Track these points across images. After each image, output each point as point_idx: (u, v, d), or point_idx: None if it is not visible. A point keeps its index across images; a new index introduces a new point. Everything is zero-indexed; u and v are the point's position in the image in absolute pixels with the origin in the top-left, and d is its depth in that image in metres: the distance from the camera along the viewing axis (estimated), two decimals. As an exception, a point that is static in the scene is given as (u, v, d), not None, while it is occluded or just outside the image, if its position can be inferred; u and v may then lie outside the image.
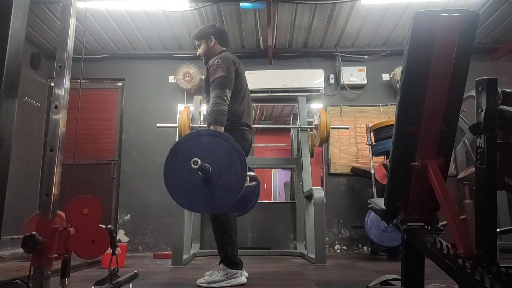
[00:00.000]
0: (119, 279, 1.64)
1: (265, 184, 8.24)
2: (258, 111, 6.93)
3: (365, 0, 3.85)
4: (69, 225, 1.50)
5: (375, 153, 4.12)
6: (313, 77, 4.70)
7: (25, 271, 1.65)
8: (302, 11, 4.09)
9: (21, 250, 1.47)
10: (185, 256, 3.39)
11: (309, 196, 3.72)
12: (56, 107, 1.52)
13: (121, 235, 4.58)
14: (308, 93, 4.69)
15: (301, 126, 4.22)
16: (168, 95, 4.93)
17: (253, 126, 2.74)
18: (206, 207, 2.03)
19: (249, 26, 4.37)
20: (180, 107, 4.78)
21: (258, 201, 2.87)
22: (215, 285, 2.31)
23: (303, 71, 4.78)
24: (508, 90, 1.34)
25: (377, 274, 2.47)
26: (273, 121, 7.66)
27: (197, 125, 4.01)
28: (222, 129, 2.30)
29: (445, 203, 1.32)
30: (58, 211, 1.48)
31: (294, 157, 4.69)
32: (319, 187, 3.68)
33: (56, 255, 1.42)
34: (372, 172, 4.02)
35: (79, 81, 2.66)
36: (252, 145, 2.78)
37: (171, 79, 4.93)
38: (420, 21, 1.34)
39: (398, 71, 4.69)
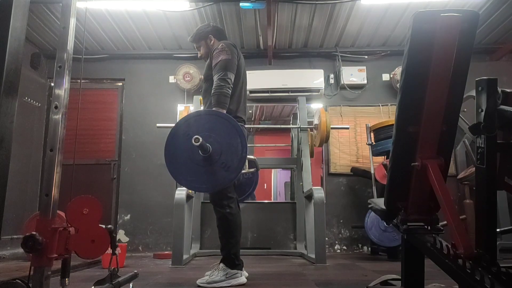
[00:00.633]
0: (119, 279, 1.64)
1: (265, 184, 8.23)
2: (258, 111, 6.91)
3: (365, 0, 3.85)
4: (69, 225, 1.50)
5: (375, 153, 4.12)
6: (313, 77, 4.71)
7: (25, 271, 1.65)
8: (302, 11, 4.09)
9: (21, 250, 1.47)
10: (185, 256, 3.39)
11: (309, 196, 3.72)
12: (56, 107, 1.52)
13: (121, 235, 4.57)
14: (308, 93, 4.69)
15: (301, 126, 4.22)
16: (168, 95, 4.93)
17: (253, 126, 2.74)
18: (207, 185, 2.03)
19: (249, 26, 4.37)
20: (180, 107, 4.79)
21: (259, 201, 2.87)
22: (215, 285, 2.31)
23: (303, 71, 4.78)
24: (508, 90, 1.34)
25: (377, 274, 2.47)
26: (273, 121, 7.65)
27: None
28: (224, 111, 2.29)
29: (445, 203, 1.32)
30: (58, 211, 1.48)
31: (294, 157, 4.69)
32: (319, 187, 3.67)
33: (56, 255, 1.42)
34: (372, 172, 4.02)
35: (79, 81, 2.66)
36: (252, 145, 2.78)
37: (171, 79, 4.93)
38: (420, 21, 1.34)
39: (398, 71, 4.69)
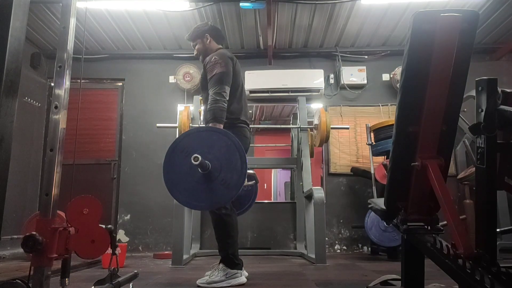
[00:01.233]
0: (119, 279, 1.64)
1: (265, 184, 8.24)
2: (258, 111, 6.91)
3: (365, 0, 3.85)
4: (69, 225, 1.50)
5: (375, 153, 4.12)
6: (313, 77, 4.70)
7: (25, 271, 1.65)
8: (302, 11, 4.09)
9: (21, 250, 1.46)
10: (185, 256, 3.39)
11: (309, 196, 3.72)
12: (56, 107, 1.52)
13: (121, 235, 4.58)
14: (308, 93, 4.69)
15: (301, 126, 4.22)
16: (168, 95, 4.93)
17: (253, 126, 2.74)
18: (206, 203, 2.02)
19: (249, 26, 4.37)
20: (180, 107, 4.78)
21: (258, 201, 2.87)
22: (215, 285, 2.31)
23: (303, 71, 4.78)
24: (508, 90, 1.33)
25: (377, 274, 2.47)
26: (273, 121, 7.65)
27: (197, 125, 4.01)
28: (221, 126, 2.29)
29: (445, 203, 1.32)
30: (58, 211, 1.48)
31: (294, 157, 4.69)
32: (319, 187, 3.67)
33: (56, 255, 1.42)
34: (372, 172, 4.02)
35: (79, 81, 2.66)
36: (252, 145, 2.78)
37: (171, 79, 4.93)
38: (420, 21, 1.34)
39: (398, 71, 4.69)
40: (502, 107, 1.30)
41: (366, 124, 4.20)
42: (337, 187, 4.71)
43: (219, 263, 2.41)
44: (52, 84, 1.96)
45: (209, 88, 2.40)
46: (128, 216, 4.68)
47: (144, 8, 3.99)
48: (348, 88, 4.81)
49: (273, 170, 8.31)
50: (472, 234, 1.34)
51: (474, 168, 2.26)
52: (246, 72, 4.54)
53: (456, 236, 1.25)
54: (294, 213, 4.39)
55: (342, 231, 4.62)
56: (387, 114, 4.77)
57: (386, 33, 4.56)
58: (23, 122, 4.45)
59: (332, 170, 4.74)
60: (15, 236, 3.58)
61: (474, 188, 1.40)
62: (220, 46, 2.67)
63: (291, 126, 4.90)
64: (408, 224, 1.49)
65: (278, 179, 8.60)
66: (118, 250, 1.97)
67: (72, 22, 1.59)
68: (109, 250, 1.58)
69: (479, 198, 1.31)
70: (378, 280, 1.90)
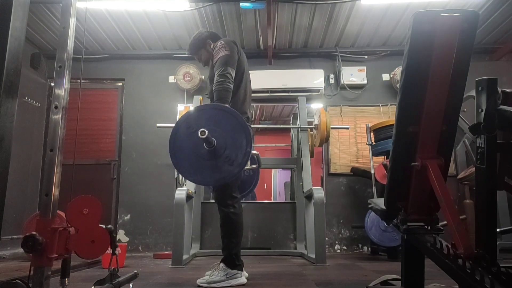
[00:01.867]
0: (119, 279, 1.64)
1: (265, 184, 8.25)
2: (258, 111, 6.93)
3: (365, 0, 3.85)
4: (69, 225, 1.50)
5: (375, 153, 4.12)
6: (313, 77, 4.71)
7: (25, 271, 1.66)
8: (302, 11, 4.09)
9: (21, 250, 1.47)
10: (185, 256, 3.39)
11: (309, 196, 3.72)
12: (56, 107, 1.52)
13: (121, 235, 4.58)
14: (308, 93, 4.69)
15: (301, 126, 4.22)
16: (168, 95, 4.93)
17: (253, 126, 2.73)
18: (210, 179, 2.03)
19: (249, 26, 4.37)
20: (180, 107, 4.79)
21: (259, 201, 2.87)
22: (215, 285, 2.31)
23: (303, 71, 4.78)
24: (508, 90, 1.34)
25: (377, 274, 2.47)
26: (273, 121, 7.66)
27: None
28: (227, 106, 2.27)
29: (445, 203, 1.32)
30: (58, 211, 1.48)
31: (294, 157, 4.69)
32: (319, 187, 3.67)
33: (56, 255, 1.42)
34: (372, 172, 4.02)
35: (79, 81, 2.66)
36: (252, 145, 2.77)
37: (171, 79, 4.93)
38: (420, 21, 1.34)
39: (398, 71, 4.69)
40: (502, 107, 1.30)
41: (366, 124, 4.20)
42: (337, 187, 4.71)
43: (220, 263, 2.41)
44: (52, 84, 1.96)
45: (214, 71, 2.40)
46: (128, 216, 4.68)
47: (144, 8, 3.99)
48: (348, 88, 4.81)
49: (273, 170, 8.32)
50: (472, 234, 1.34)
51: (474, 168, 2.26)
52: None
53: (456, 236, 1.25)
54: (294, 213, 4.39)
55: (342, 231, 4.62)
56: (387, 114, 4.77)
57: (386, 33, 4.57)
58: (23, 122, 4.45)
59: (332, 170, 4.74)
60: (15, 236, 3.59)
61: (474, 188, 1.40)
62: None
63: (291, 126, 4.90)
64: (408, 224, 1.49)
65: (278, 179, 8.61)
66: (118, 250, 1.98)
67: (72, 22, 1.59)
68: (109, 250, 1.58)
69: (479, 198, 1.31)
70: (378, 280, 1.90)
